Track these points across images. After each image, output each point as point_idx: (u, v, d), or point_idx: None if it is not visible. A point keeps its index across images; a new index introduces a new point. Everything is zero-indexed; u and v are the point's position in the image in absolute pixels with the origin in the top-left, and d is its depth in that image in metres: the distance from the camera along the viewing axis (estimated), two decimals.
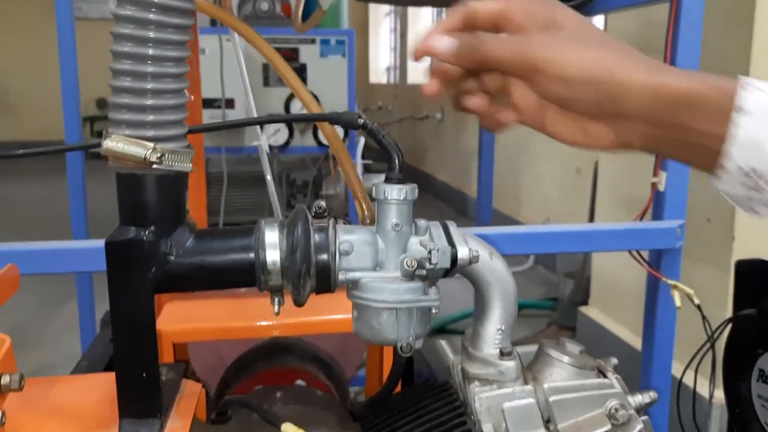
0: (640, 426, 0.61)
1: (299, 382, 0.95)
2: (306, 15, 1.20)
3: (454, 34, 0.58)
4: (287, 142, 2.98)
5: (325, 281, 0.59)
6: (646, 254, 1.28)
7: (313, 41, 2.97)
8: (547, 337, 1.85)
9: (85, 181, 1.88)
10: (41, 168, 5.60)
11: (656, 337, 1.25)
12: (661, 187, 1.22)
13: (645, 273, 1.30)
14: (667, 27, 1.20)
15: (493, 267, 0.64)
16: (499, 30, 0.57)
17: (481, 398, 0.62)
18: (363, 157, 3.22)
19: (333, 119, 0.66)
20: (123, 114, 0.55)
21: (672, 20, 1.19)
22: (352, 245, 0.59)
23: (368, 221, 0.64)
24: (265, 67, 2.97)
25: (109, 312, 1.42)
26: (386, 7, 7.58)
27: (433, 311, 0.61)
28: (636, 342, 2.18)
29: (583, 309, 2.64)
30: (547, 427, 0.61)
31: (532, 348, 0.68)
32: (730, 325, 0.97)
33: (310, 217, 0.60)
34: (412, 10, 6.57)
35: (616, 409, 0.61)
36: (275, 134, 2.94)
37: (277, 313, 0.61)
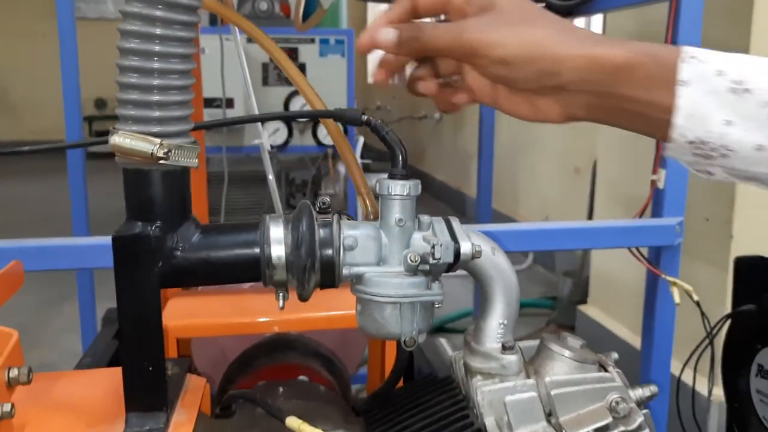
0: (640, 419, 0.62)
1: (302, 377, 0.96)
2: (306, 14, 1.21)
3: (396, 24, 0.59)
4: (286, 142, 2.99)
5: (330, 276, 0.60)
6: (645, 251, 1.29)
7: (312, 41, 2.98)
8: None
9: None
10: (41, 168, 5.60)
11: (655, 334, 1.26)
12: (661, 185, 1.23)
13: (644, 271, 1.30)
14: (666, 26, 1.21)
15: (495, 262, 0.64)
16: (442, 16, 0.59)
17: (483, 392, 0.63)
18: (362, 157, 3.22)
19: (337, 116, 0.66)
20: (129, 110, 0.56)
21: (671, 19, 1.19)
22: (356, 240, 0.60)
23: (372, 217, 0.65)
24: (265, 67, 2.97)
25: (110, 310, 1.42)
26: (385, 6, 7.57)
27: (436, 306, 0.61)
28: (634, 340, 2.19)
29: (581, 308, 2.65)
30: (548, 421, 0.62)
31: (534, 343, 0.68)
32: (729, 321, 0.98)
33: (314, 213, 0.61)
34: None
35: (617, 403, 0.61)
36: (274, 133, 2.95)
37: (282, 308, 0.61)
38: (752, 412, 0.92)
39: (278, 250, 0.59)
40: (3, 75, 8.33)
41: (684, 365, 1.15)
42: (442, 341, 2.00)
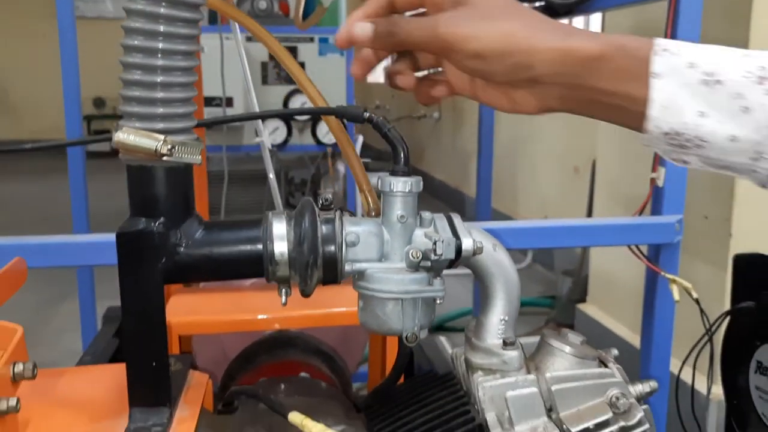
0: (640, 414, 0.62)
1: (303, 374, 0.96)
2: (307, 13, 1.21)
3: (372, 19, 0.60)
4: (286, 141, 2.99)
5: (332, 272, 0.60)
6: (645, 250, 1.30)
7: (311, 40, 2.98)
8: None
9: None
10: (41, 168, 5.60)
11: (655, 331, 1.26)
12: (660, 183, 1.23)
13: (643, 270, 1.31)
14: (665, 25, 1.21)
15: (496, 258, 0.65)
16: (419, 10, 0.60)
17: (484, 387, 0.63)
18: (361, 156, 3.22)
19: (339, 113, 0.67)
20: (133, 107, 0.56)
21: (670, 18, 1.20)
22: (358, 236, 0.60)
23: (373, 213, 0.65)
24: (264, 66, 2.98)
25: (111, 308, 1.42)
26: None
27: (438, 302, 0.62)
28: (633, 339, 2.19)
29: (581, 306, 2.66)
30: (549, 416, 0.62)
31: (535, 339, 0.69)
32: (728, 319, 0.98)
33: (316, 209, 0.61)
34: None
35: (617, 398, 0.62)
36: (274, 132, 2.95)
37: (285, 304, 0.61)
38: (751, 408, 0.93)
39: (281, 247, 0.59)
40: (2, 75, 8.32)
41: (683, 362, 1.15)
42: (442, 339, 2.01)
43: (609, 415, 0.61)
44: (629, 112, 0.54)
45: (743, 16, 1.69)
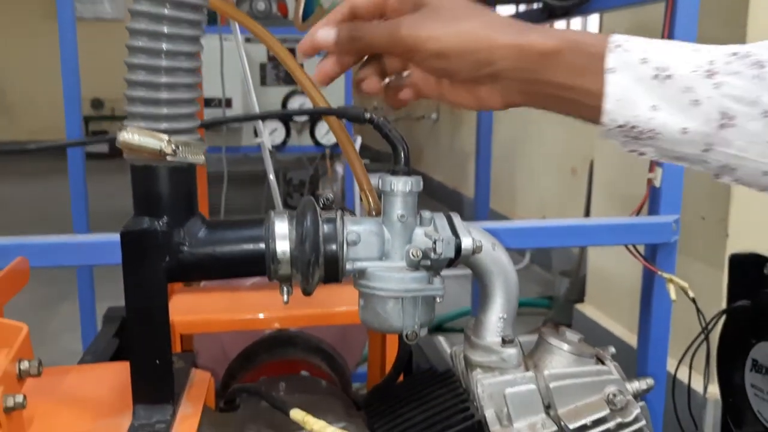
0: (637, 411, 0.63)
1: (303, 372, 0.97)
2: (306, 14, 1.21)
3: (335, 25, 0.62)
4: (284, 142, 2.99)
5: (333, 271, 0.61)
6: (642, 249, 1.30)
7: None
8: None
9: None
10: (40, 168, 5.60)
11: (651, 330, 1.27)
12: (657, 183, 1.24)
13: (640, 270, 1.32)
14: (662, 26, 1.22)
15: (495, 257, 0.65)
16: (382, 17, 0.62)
17: (483, 384, 0.64)
18: (360, 156, 3.22)
19: (340, 113, 0.67)
20: (138, 107, 0.57)
21: (667, 20, 1.21)
22: (359, 236, 0.61)
23: (374, 213, 0.66)
24: (263, 67, 2.98)
25: (111, 308, 1.42)
26: None
27: (437, 300, 0.63)
28: (631, 339, 2.20)
29: (578, 306, 2.67)
30: (547, 413, 0.63)
31: (533, 337, 0.70)
32: (724, 317, 0.99)
33: (318, 209, 0.62)
34: None
35: (614, 395, 0.62)
36: (272, 133, 2.96)
37: (287, 302, 0.62)
38: (747, 406, 0.94)
39: (283, 246, 0.60)
40: (0, 75, 8.32)
41: (680, 361, 1.16)
42: (441, 339, 2.02)
43: (606, 411, 0.62)
44: (586, 106, 0.56)
45: (740, 17, 1.70)
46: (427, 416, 0.68)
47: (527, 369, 0.66)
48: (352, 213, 0.64)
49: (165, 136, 0.56)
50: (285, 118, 2.95)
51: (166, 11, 0.55)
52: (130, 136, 0.56)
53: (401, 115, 6.06)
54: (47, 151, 0.80)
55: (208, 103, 2.55)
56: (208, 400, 0.69)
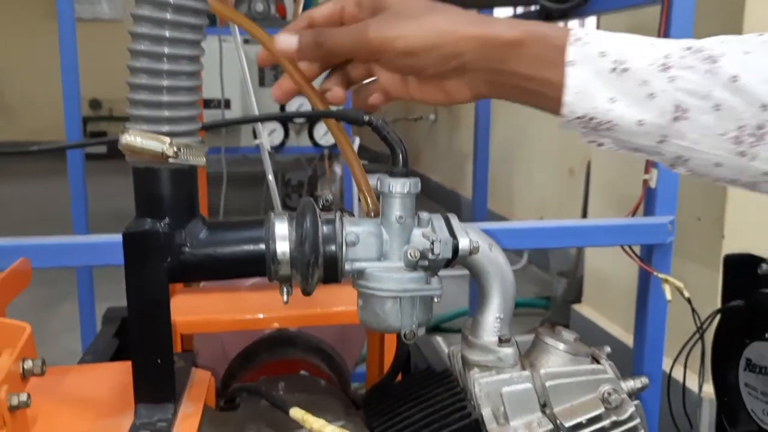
0: (632, 409, 0.64)
1: (303, 372, 0.98)
2: None
3: (297, 31, 0.63)
4: (283, 143, 3.00)
5: (333, 271, 0.62)
6: (638, 250, 1.31)
7: None
8: None
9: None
10: (39, 169, 5.60)
11: (647, 330, 1.28)
12: (653, 184, 1.25)
13: (636, 271, 1.33)
14: (658, 29, 1.23)
15: (492, 258, 0.66)
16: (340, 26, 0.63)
17: (480, 383, 0.65)
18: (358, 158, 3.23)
19: (339, 116, 0.68)
20: (140, 110, 0.58)
21: (663, 22, 1.22)
22: (358, 236, 0.62)
23: (372, 214, 0.67)
24: (261, 68, 2.99)
25: (111, 309, 1.43)
26: None
27: (435, 300, 0.64)
28: (627, 339, 2.21)
29: (576, 307, 2.68)
30: (543, 411, 0.64)
31: (529, 337, 0.70)
32: (718, 317, 1.00)
33: (317, 210, 0.63)
34: None
35: (609, 394, 0.63)
36: (271, 134, 2.96)
37: (287, 302, 0.63)
38: (741, 405, 0.95)
39: (283, 246, 0.61)
40: (0, 75, 8.31)
41: (675, 360, 1.17)
42: (438, 339, 2.03)
43: (601, 410, 0.63)
44: (547, 98, 0.58)
45: (736, 18, 1.71)
46: (425, 415, 0.69)
47: (524, 368, 0.66)
48: (351, 214, 0.65)
49: (167, 139, 0.57)
50: (284, 119, 2.96)
51: (167, 16, 0.56)
52: (133, 138, 0.56)
53: (399, 116, 6.07)
54: (48, 152, 0.80)
55: (207, 104, 2.55)
56: (209, 400, 0.69)
